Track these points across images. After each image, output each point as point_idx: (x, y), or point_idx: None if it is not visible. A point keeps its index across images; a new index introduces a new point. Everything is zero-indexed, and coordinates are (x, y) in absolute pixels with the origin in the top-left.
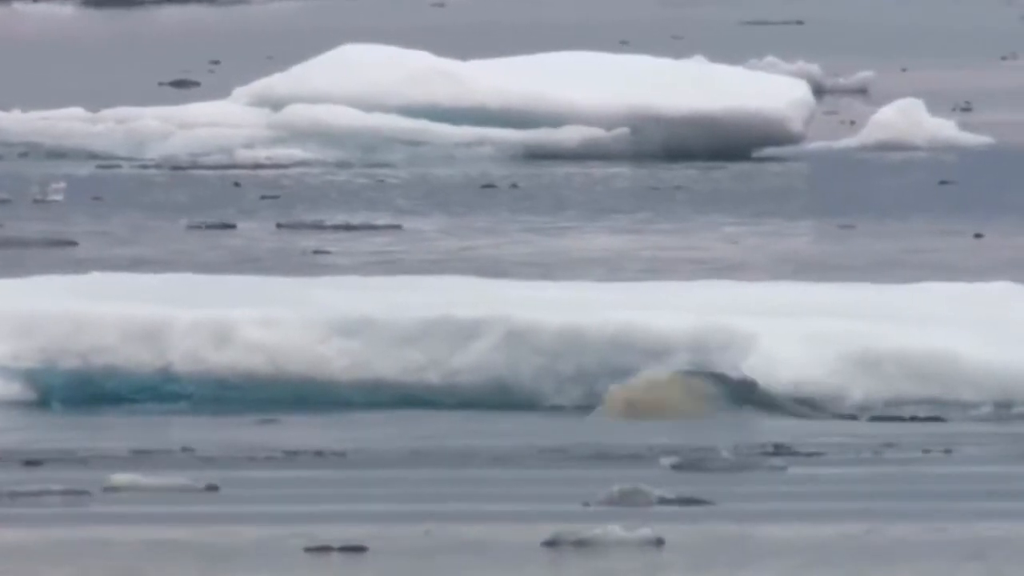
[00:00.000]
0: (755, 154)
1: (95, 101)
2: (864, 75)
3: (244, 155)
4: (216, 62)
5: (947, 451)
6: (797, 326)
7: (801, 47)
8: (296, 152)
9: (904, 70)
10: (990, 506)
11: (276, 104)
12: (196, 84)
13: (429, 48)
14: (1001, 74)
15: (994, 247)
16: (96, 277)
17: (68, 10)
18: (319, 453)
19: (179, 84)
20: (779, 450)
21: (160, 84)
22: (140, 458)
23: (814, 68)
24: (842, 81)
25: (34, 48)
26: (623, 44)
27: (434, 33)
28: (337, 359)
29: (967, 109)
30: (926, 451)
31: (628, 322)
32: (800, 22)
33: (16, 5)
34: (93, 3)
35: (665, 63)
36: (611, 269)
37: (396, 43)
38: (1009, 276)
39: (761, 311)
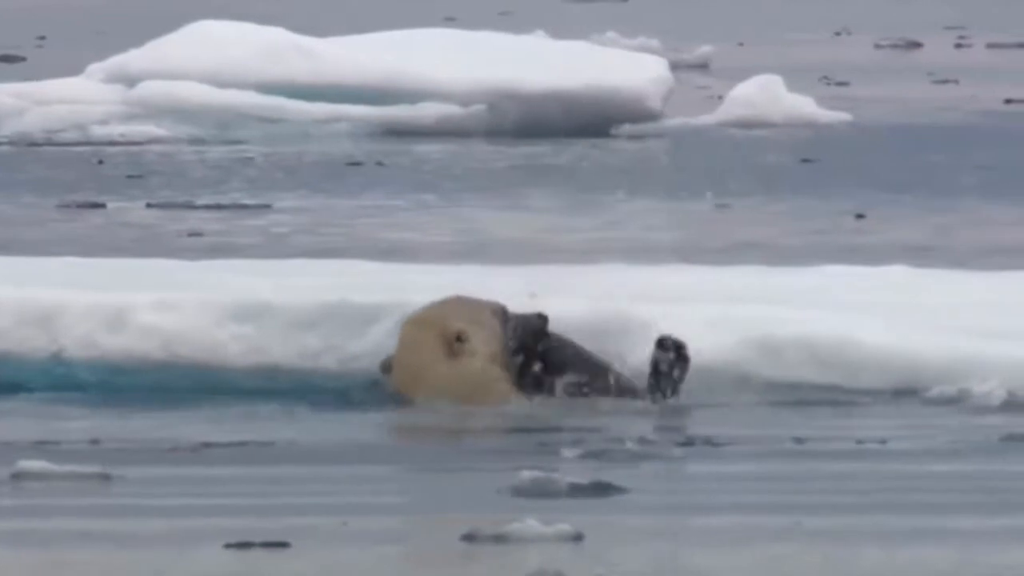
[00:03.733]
0: (613, 131)
1: None
2: (704, 50)
3: (98, 132)
4: (43, 37)
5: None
6: (696, 311)
7: (634, 23)
8: (151, 129)
9: (741, 45)
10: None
11: (131, 80)
12: (23, 59)
13: (285, 24)
14: (840, 49)
15: (877, 228)
16: None
17: None
18: (221, 445)
19: (6, 59)
20: (691, 440)
21: None
22: (42, 448)
23: (655, 43)
24: (684, 56)
25: None
26: (449, 21)
27: (289, 9)
28: (232, 344)
29: (843, 83)
30: (859, 442)
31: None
32: None
33: None
34: None
35: (521, 40)
36: (501, 249)
37: (252, 19)
38: (897, 257)
39: (658, 296)
